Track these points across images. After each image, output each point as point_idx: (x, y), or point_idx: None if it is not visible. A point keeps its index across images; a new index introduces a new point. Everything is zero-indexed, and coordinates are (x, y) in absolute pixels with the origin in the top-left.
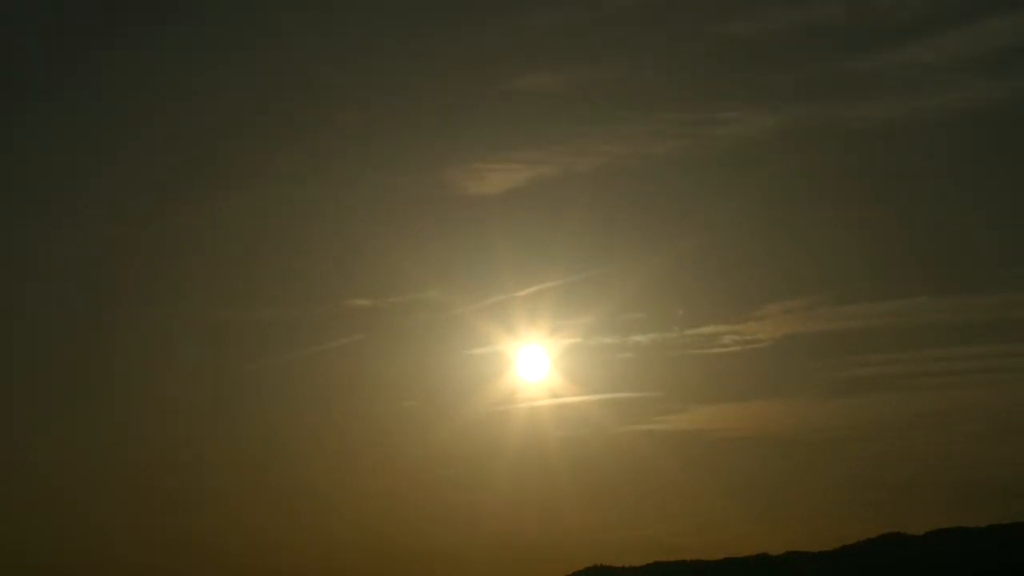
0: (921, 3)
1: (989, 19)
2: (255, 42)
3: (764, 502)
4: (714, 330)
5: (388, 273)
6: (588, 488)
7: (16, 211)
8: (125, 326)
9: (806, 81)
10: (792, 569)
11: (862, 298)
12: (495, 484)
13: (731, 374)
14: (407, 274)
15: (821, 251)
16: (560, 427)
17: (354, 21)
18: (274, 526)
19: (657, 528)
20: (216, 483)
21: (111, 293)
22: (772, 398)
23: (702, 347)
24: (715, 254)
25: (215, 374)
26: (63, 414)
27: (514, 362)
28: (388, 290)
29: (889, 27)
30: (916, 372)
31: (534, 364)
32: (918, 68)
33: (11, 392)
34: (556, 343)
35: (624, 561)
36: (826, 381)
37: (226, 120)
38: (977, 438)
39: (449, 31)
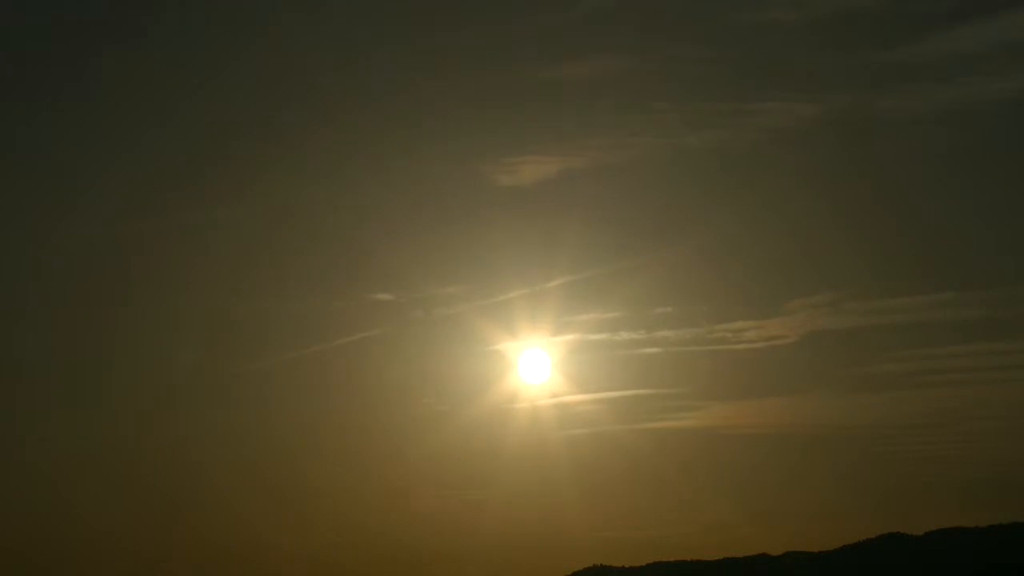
0: None
1: None
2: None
3: (766, 501)
4: (741, 326)
5: (413, 267)
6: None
7: (15, 211)
8: (129, 324)
9: (844, 69)
10: (792, 569)
11: (889, 293)
12: (530, 479)
13: (752, 371)
14: (432, 268)
15: (851, 245)
16: (578, 425)
17: (390, 13)
18: (277, 525)
19: (657, 528)
20: (219, 482)
21: (113, 292)
22: (790, 395)
23: (727, 343)
24: (744, 248)
25: (229, 371)
26: (68, 414)
27: (540, 356)
28: (412, 285)
29: (932, 14)
30: (939, 369)
31: (553, 360)
32: (956, 56)
33: (10, 391)
34: (581, 339)
35: (624, 561)
36: (850, 378)
37: (238, 116)
38: (998, 435)
39: (480, 23)
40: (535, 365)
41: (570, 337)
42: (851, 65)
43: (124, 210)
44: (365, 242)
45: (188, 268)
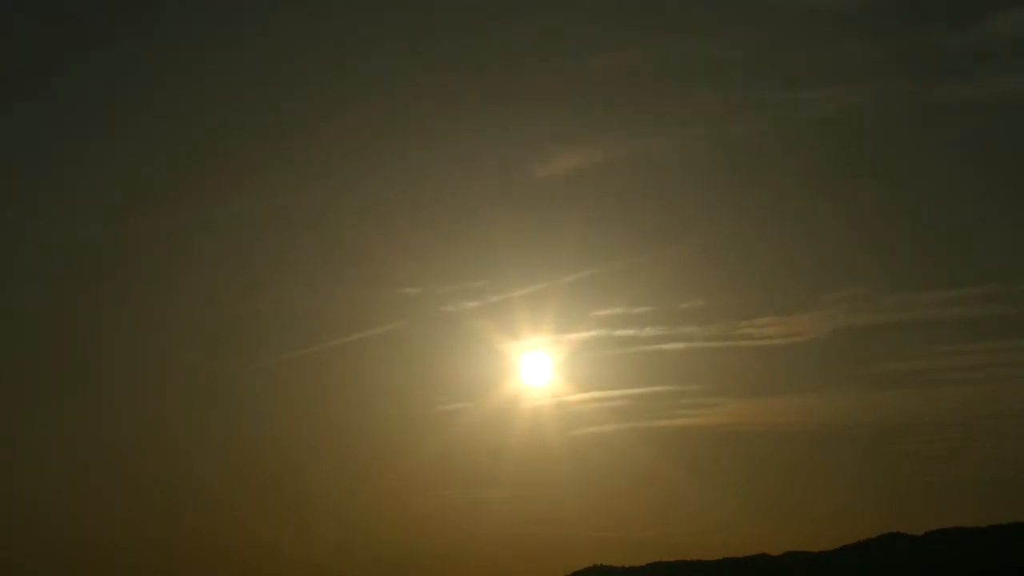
0: None
1: None
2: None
3: (767, 500)
4: (770, 320)
5: (442, 260)
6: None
7: (10, 211)
8: (128, 324)
9: (896, 56)
10: (792, 569)
11: (928, 286)
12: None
13: (768, 368)
14: (461, 261)
15: (889, 239)
16: (598, 423)
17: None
18: (277, 526)
19: (658, 528)
20: (217, 482)
21: (117, 290)
22: (801, 393)
23: (750, 339)
24: (779, 240)
25: (224, 372)
26: (65, 414)
27: (562, 351)
28: (438, 278)
29: None
30: (970, 365)
31: (570, 354)
32: (1008, 43)
33: (6, 391)
34: (607, 335)
35: (624, 561)
36: (871, 375)
37: (238, 114)
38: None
39: (519, 10)
40: (536, 366)
41: (595, 333)
42: (903, 52)
43: (127, 209)
44: (391, 237)
45: (184, 268)
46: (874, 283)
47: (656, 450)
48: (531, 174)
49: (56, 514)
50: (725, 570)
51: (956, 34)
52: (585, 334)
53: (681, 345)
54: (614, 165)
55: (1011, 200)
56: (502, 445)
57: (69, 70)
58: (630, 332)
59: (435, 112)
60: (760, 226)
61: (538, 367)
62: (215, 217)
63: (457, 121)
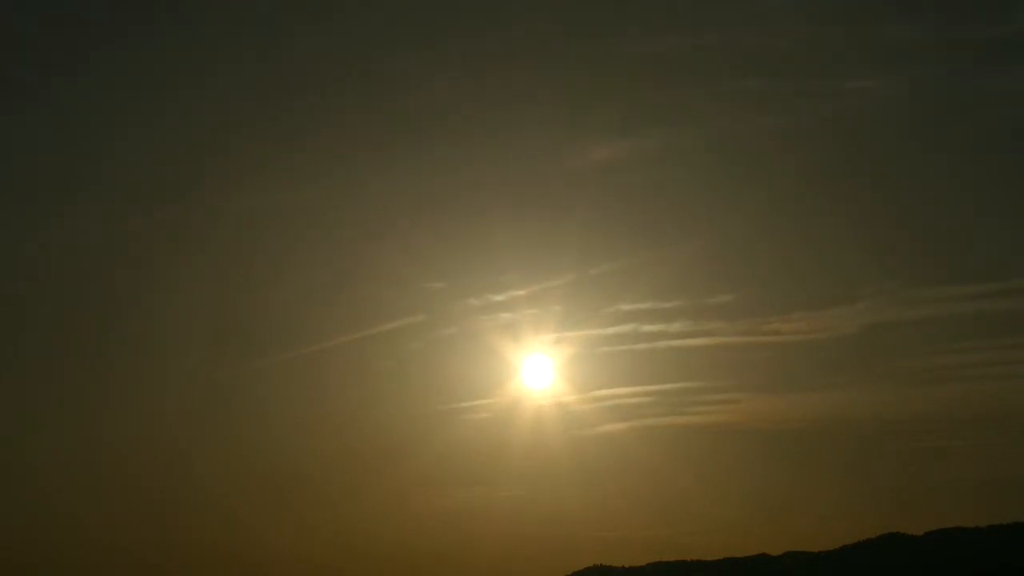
0: None
1: None
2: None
3: (768, 500)
4: (804, 315)
5: (469, 254)
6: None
7: (15, 210)
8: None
9: (936, 45)
10: (792, 569)
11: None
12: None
13: (798, 364)
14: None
15: (925, 231)
16: (620, 419)
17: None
18: (277, 526)
19: (658, 528)
20: (219, 482)
21: (121, 289)
22: (808, 391)
23: (781, 335)
24: (817, 235)
25: (224, 372)
26: (66, 414)
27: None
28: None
29: None
30: (996, 360)
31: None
32: None
33: (7, 391)
34: (634, 330)
35: (624, 561)
36: (905, 371)
37: (240, 113)
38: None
39: None
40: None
41: (623, 328)
42: (944, 41)
43: (129, 209)
44: (407, 234)
45: (188, 266)
46: (906, 277)
47: (661, 449)
48: (560, 165)
49: (57, 513)
50: (725, 570)
51: (994, 26)
52: (599, 331)
53: (707, 340)
54: (643, 157)
55: None
56: (504, 445)
57: (71, 70)
58: (657, 327)
59: (445, 113)
60: (792, 220)
61: (541, 368)
62: (220, 214)
63: (469, 122)
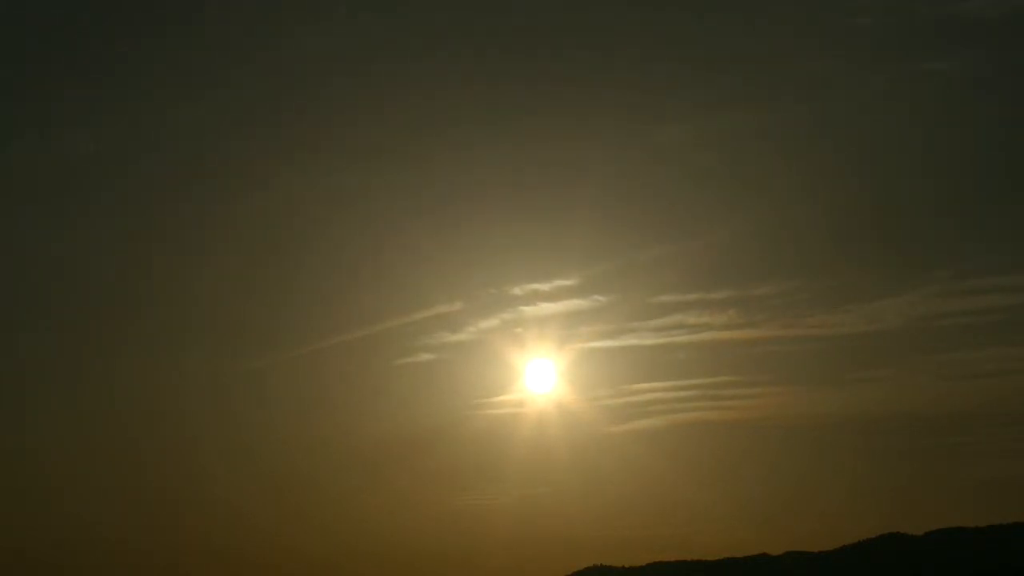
0: None
1: None
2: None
3: (768, 499)
4: (851, 309)
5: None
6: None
7: (21, 212)
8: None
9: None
10: (792, 569)
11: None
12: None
13: (791, 361)
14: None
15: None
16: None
17: None
18: (279, 525)
19: (658, 528)
20: (224, 481)
21: (125, 289)
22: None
23: (824, 328)
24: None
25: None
26: (72, 413)
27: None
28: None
29: None
30: None
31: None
32: None
33: (14, 390)
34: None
35: (624, 561)
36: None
37: (243, 115)
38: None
39: None
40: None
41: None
42: None
43: (132, 209)
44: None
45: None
46: (957, 268)
47: (668, 448)
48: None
49: (61, 511)
50: (725, 570)
51: None
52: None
53: (736, 333)
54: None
55: None
56: (510, 447)
57: (78, 71)
58: (702, 320)
59: (456, 112)
60: (854, 211)
61: (547, 374)
62: (227, 214)
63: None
